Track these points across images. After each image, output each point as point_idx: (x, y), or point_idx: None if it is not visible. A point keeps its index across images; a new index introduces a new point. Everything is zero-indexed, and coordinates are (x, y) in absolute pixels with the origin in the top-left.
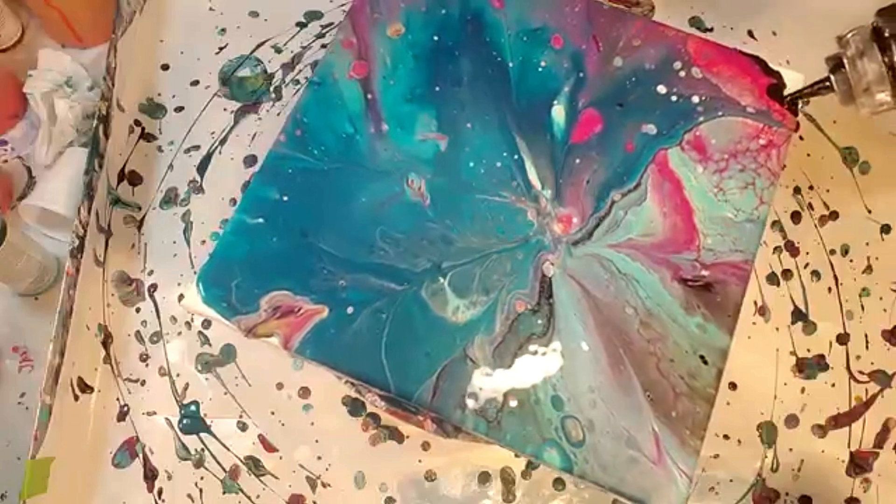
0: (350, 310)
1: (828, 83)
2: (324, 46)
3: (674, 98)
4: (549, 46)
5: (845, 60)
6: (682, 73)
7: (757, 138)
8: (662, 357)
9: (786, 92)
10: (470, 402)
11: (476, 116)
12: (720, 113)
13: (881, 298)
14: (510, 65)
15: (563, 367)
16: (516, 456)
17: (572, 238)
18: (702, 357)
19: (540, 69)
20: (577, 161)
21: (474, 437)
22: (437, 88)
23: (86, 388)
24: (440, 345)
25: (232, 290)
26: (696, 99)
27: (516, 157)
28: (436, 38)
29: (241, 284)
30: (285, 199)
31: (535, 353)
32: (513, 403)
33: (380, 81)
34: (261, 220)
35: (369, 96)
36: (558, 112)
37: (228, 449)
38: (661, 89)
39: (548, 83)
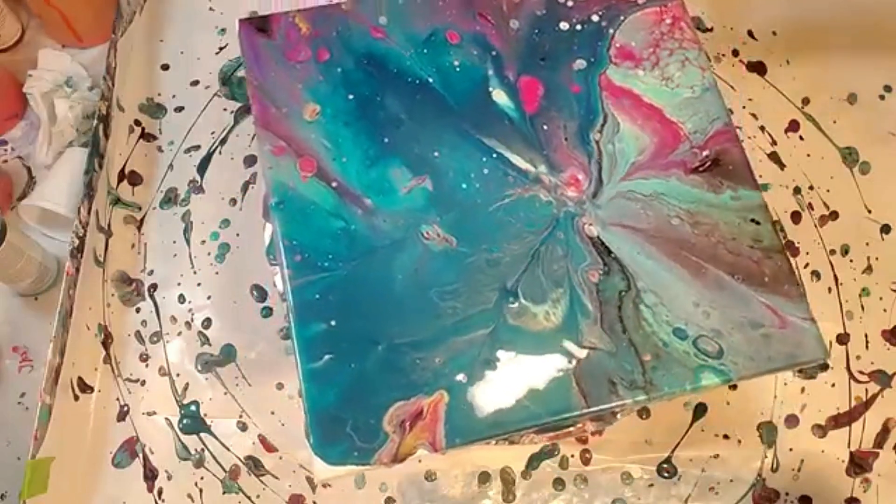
0: (463, 378)
1: None
2: None
3: (578, 27)
4: (449, 45)
5: None
6: (570, 3)
7: (662, 21)
8: (725, 240)
9: None
10: (617, 384)
11: (436, 143)
12: (622, 17)
13: (881, 298)
14: (430, 81)
15: (662, 301)
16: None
17: (589, 192)
18: (753, 220)
19: (457, 69)
20: (545, 127)
21: (630, 409)
22: (386, 140)
23: (86, 388)
24: (557, 353)
25: (351, 435)
26: (595, 17)
27: (495, 155)
28: (350, 97)
29: (356, 424)
30: (333, 324)
31: (634, 305)
32: (648, 359)
33: (334, 165)
34: (327, 357)
35: (334, 184)
36: (499, 96)
37: (228, 449)
38: (564, 25)
39: (472, 77)
